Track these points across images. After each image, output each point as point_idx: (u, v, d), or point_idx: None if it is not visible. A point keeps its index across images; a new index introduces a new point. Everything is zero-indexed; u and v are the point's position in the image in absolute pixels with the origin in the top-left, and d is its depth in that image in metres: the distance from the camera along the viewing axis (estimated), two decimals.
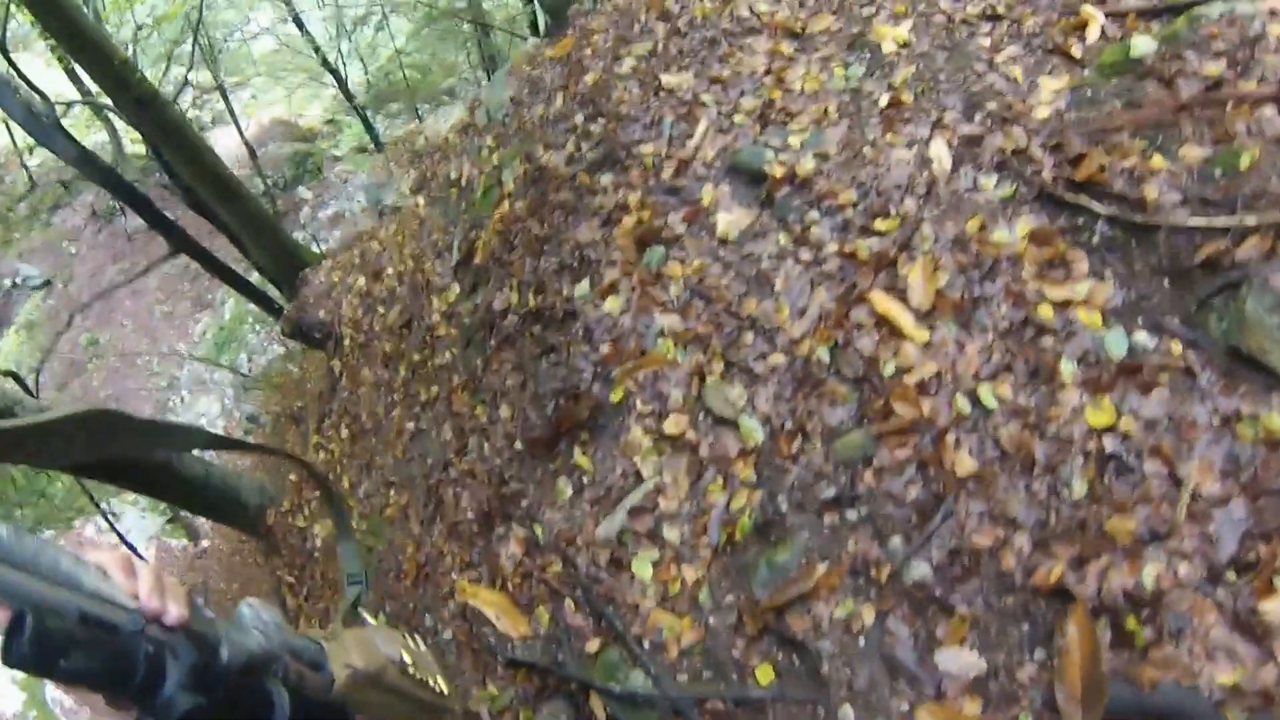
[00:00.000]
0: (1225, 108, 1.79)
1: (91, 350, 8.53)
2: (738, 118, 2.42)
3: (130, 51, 5.94)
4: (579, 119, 2.92)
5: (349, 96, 9.56)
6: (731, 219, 2.18)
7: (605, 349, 2.10)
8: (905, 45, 2.41)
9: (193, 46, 6.21)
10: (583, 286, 2.37)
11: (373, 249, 4.59)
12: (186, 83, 6.81)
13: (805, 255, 2.03)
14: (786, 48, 2.62)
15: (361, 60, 11.17)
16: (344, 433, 3.83)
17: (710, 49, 2.71)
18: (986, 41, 2.31)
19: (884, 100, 2.26)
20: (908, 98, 2.23)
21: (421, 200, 4.26)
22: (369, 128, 10.09)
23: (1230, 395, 1.49)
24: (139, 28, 5.76)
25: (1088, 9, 2.23)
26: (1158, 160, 1.79)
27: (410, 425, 3.21)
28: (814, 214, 2.07)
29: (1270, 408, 1.45)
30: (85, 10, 4.60)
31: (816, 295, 1.91)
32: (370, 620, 0.80)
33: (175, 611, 0.49)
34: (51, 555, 0.46)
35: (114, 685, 0.45)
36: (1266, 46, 1.88)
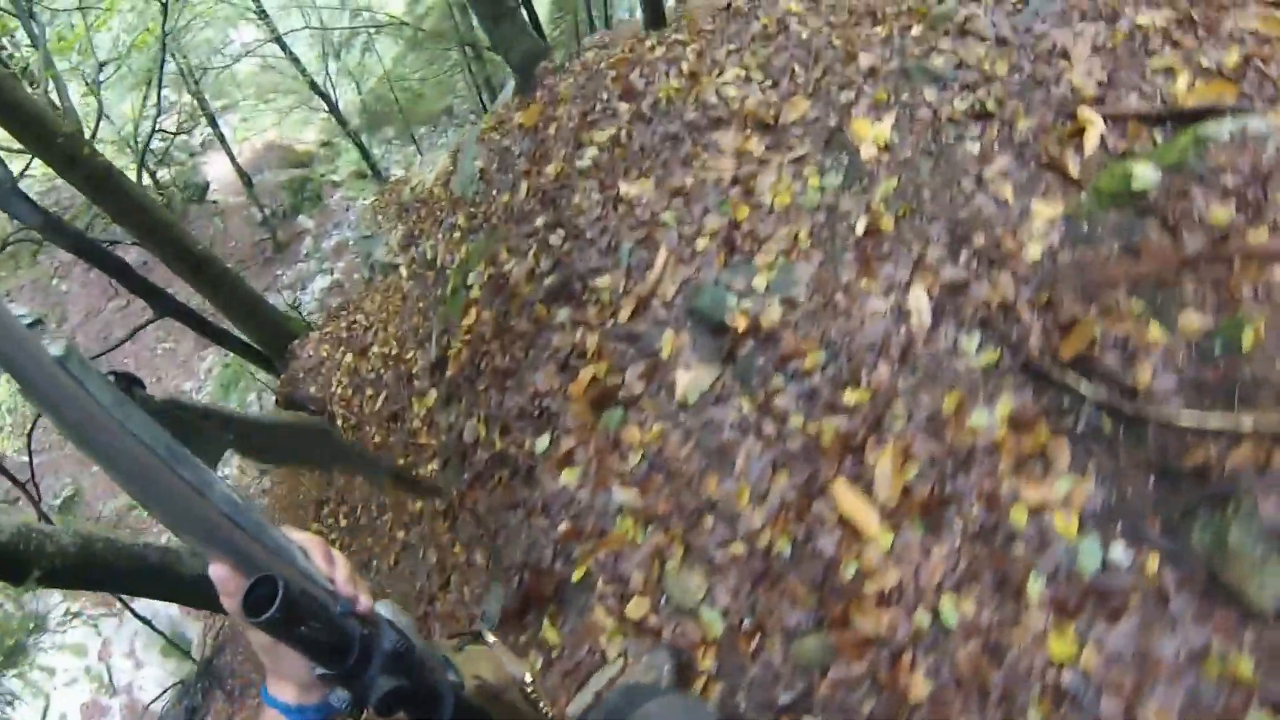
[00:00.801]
0: (1232, 266, 1.66)
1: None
2: (700, 242, 2.34)
3: (98, 86, 5.95)
4: (540, 222, 2.87)
5: (342, 122, 9.49)
6: (691, 378, 2.14)
7: (564, 526, 2.12)
8: (886, 148, 2.28)
9: (159, 70, 6.14)
10: (543, 441, 2.38)
11: (360, 323, 4.65)
12: (158, 110, 6.82)
13: (768, 428, 1.99)
14: (756, 145, 2.50)
15: (354, 79, 11.00)
16: (342, 521, 3.99)
17: (674, 147, 2.61)
18: (975, 148, 2.17)
19: (861, 225, 2.16)
20: (887, 223, 2.13)
21: (405, 271, 4.28)
22: (365, 154, 10.03)
23: (1202, 625, 1.44)
24: (102, 65, 5.72)
25: (1085, 113, 2.07)
26: (1155, 331, 1.69)
27: (401, 534, 3.32)
28: (778, 379, 2.02)
29: (1241, 647, 1.40)
30: (21, 80, 4.61)
31: (778, 480, 1.89)
32: (491, 639, 0.86)
33: (365, 601, 0.55)
34: (270, 529, 0.52)
35: (332, 658, 0.52)
36: (1278, 179, 1.72)
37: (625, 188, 2.58)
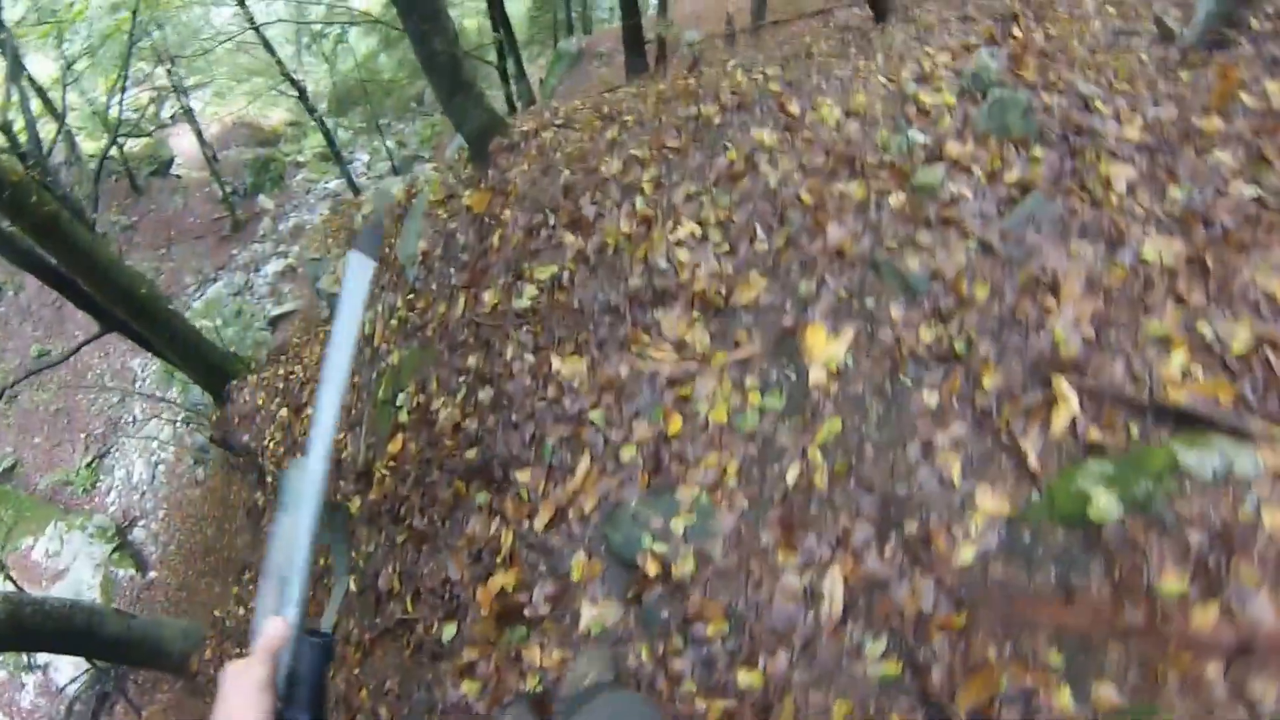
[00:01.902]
0: (1168, 648, 1.58)
1: (41, 362, 9.01)
2: (626, 453, 2.25)
3: (65, 79, 5.88)
4: (471, 362, 2.78)
5: (310, 109, 9.44)
6: (597, 613, 2.10)
7: None
8: (837, 374, 2.15)
9: (128, 47, 5.99)
10: (450, 629, 2.38)
11: (297, 375, 4.59)
12: (124, 86, 6.65)
13: (661, 684, 1.97)
14: (700, 334, 2.37)
15: (327, 60, 10.54)
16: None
17: (612, 325, 2.47)
18: (933, 400, 2.04)
19: (793, 474, 2.06)
20: (820, 479, 2.03)
21: None
22: (330, 140, 9.79)
23: None
24: (69, 64, 5.58)
25: (1061, 384, 1.92)
26: (1064, 697, 1.63)
27: None
28: (679, 639, 1.99)
29: None
30: None
31: None
32: None
33: None
34: None
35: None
36: (1249, 549, 1.61)
37: (557, 364, 2.46)
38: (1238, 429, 1.77)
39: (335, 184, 11.37)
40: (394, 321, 3.49)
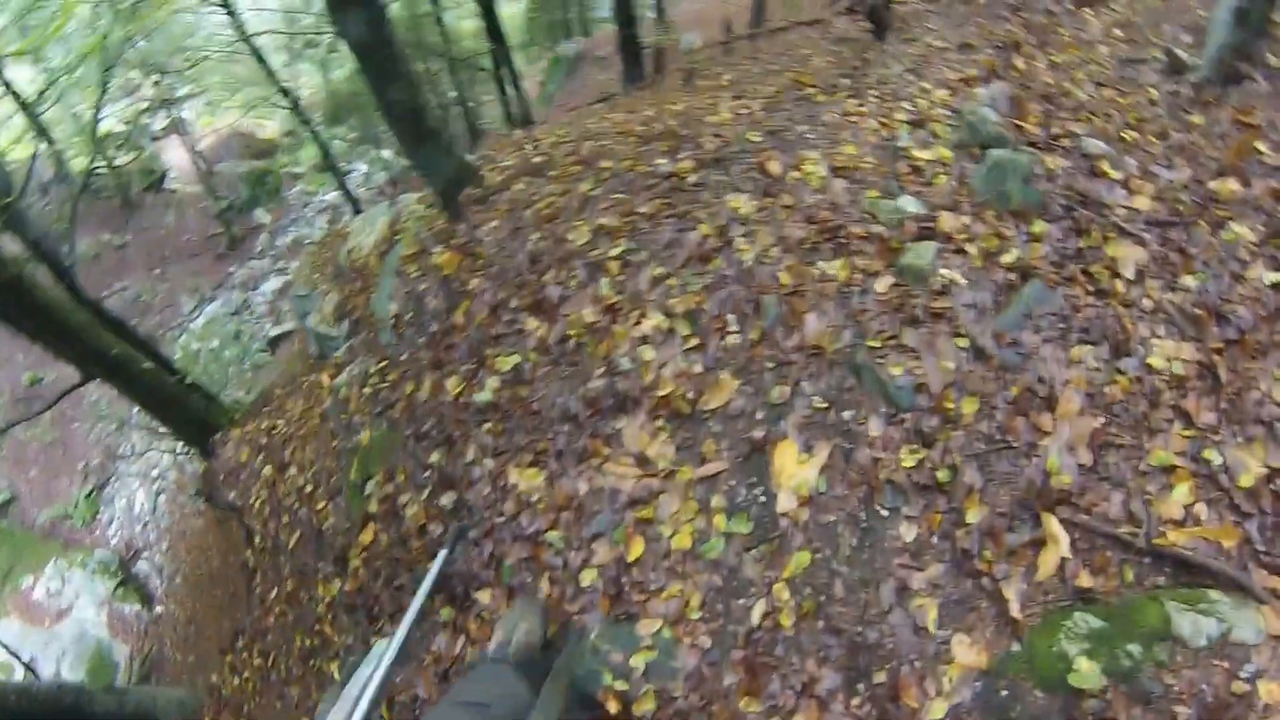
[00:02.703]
0: None
1: (33, 390, 9.23)
2: (586, 577, 2.23)
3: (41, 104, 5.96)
4: (434, 459, 2.76)
5: (304, 120, 9.54)
6: None
7: None
8: (809, 500, 2.08)
9: (108, 68, 6.04)
10: None
11: (280, 430, 4.64)
12: (101, 96, 6.72)
13: None
14: (664, 447, 2.31)
15: (320, 69, 10.49)
16: (255, 661, 4.19)
17: (570, 436, 2.42)
18: (910, 535, 1.96)
19: (758, 612, 2.01)
20: (787, 619, 1.98)
21: (326, 382, 4.19)
22: (325, 151, 10.00)
23: None
24: (43, 91, 5.63)
25: (1051, 523, 1.83)
26: None
27: (306, 717, 3.48)
28: None
29: None
30: None
31: None
32: None
33: None
34: None
35: None
36: None
37: (514, 477, 2.43)
38: (1239, 583, 1.67)
39: (333, 196, 11.40)
40: (367, 389, 3.49)
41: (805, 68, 4.36)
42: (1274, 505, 1.80)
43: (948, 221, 2.41)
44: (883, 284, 2.34)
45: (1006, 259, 2.28)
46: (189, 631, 7.25)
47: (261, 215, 11.13)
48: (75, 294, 5.14)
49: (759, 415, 2.27)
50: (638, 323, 2.54)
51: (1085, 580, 1.79)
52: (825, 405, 2.20)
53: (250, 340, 9.43)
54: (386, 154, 12.67)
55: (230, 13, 8.64)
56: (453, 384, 2.85)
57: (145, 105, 10.60)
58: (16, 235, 4.92)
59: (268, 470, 4.52)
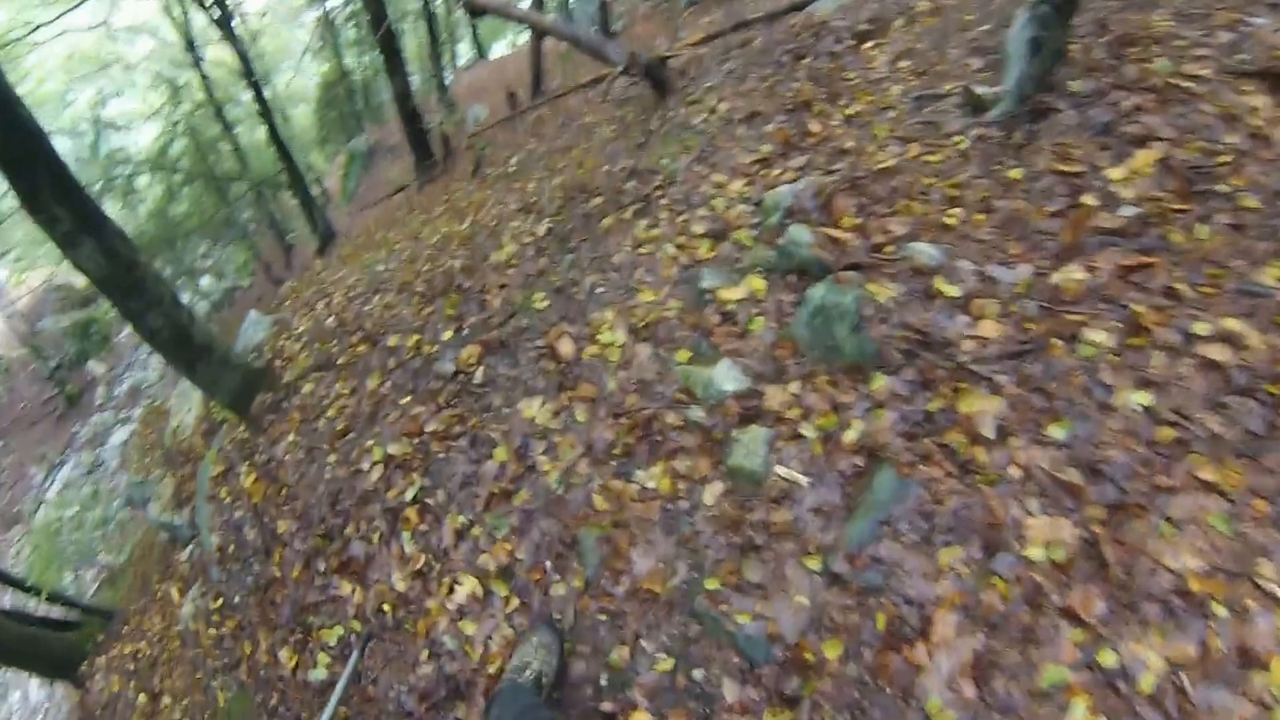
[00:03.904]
0: None
1: None
2: None
3: None
4: None
5: None
6: None
7: None
8: None
9: None
10: None
11: (145, 654, 4.21)
12: None
13: None
14: None
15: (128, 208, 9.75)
16: None
17: None
18: None
19: None
20: None
21: (175, 594, 3.74)
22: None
23: None
24: None
25: None
26: None
27: None
28: None
29: None
30: None
31: None
32: None
33: None
34: None
35: None
36: None
37: None
38: None
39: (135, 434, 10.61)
40: (212, 631, 3.01)
41: (589, 148, 4.06)
42: (1179, 706, 1.55)
43: (774, 396, 2.06)
44: (711, 494, 1.98)
45: (849, 438, 1.95)
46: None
47: (94, 366, 10.34)
48: None
49: (603, 682, 1.91)
50: (450, 591, 2.13)
51: None
52: (671, 663, 1.85)
53: (110, 497, 8.73)
54: (205, 281, 12.12)
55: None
56: (286, 655, 2.42)
57: None
58: None
59: (142, 699, 4.06)
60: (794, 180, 2.67)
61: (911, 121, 2.77)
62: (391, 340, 3.05)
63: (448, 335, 2.87)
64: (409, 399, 2.62)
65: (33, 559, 8.53)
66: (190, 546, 4.12)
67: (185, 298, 11.85)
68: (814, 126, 2.85)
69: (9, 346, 10.52)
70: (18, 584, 6.37)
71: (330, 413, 2.90)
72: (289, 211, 12.73)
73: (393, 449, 2.48)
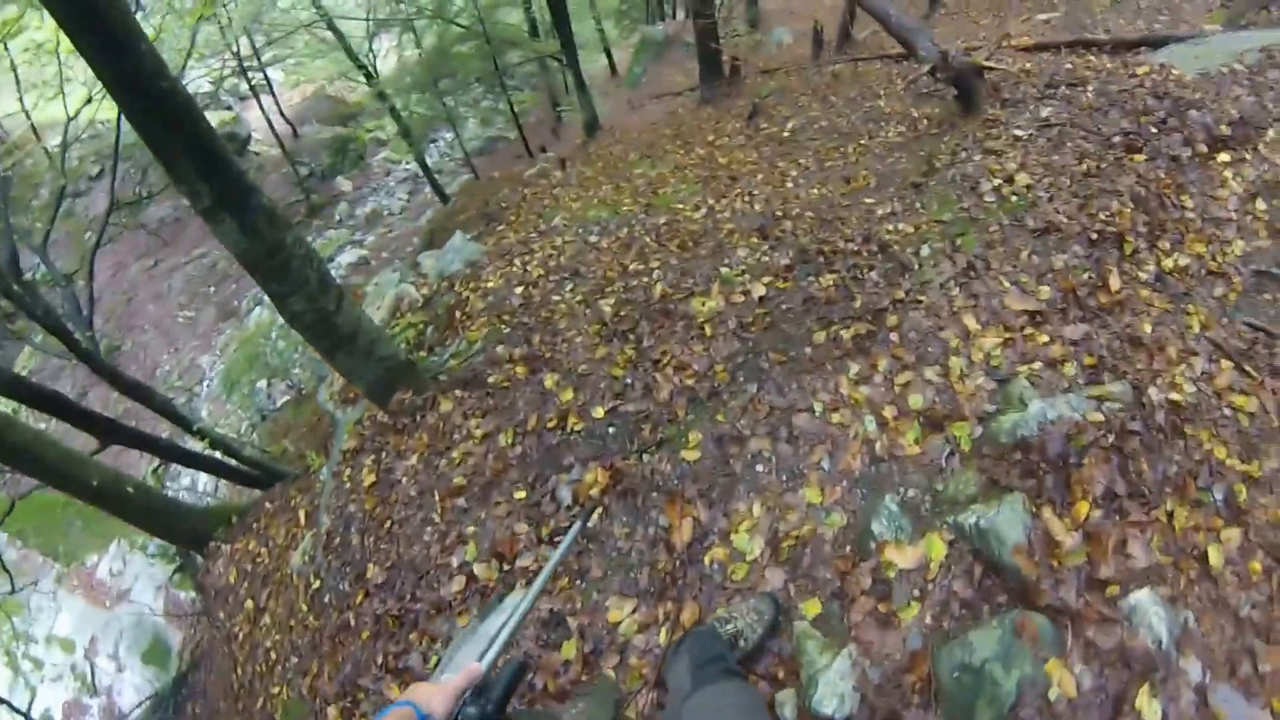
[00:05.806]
0: None
1: (111, 358, 10.05)
2: None
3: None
4: None
5: (381, 96, 9.94)
6: None
7: None
8: None
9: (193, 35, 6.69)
10: None
11: (262, 562, 4.71)
12: (189, 55, 7.37)
13: None
14: None
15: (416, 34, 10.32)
16: None
17: None
18: None
19: None
20: None
21: (302, 516, 4.13)
22: (401, 124, 10.34)
23: None
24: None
25: None
26: None
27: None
28: None
29: None
30: None
31: None
32: None
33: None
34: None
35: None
36: None
37: None
38: None
39: (416, 165, 11.35)
40: (303, 606, 3.33)
41: (867, 146, 4.02)
42: None
43: None
44: None
45: None
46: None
47: (342, 183, 11.29)
48: (95, 368, 5.37)
49: None
50: None
51: None
52: None
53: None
54: (473, 123, 12.58)
55: None
56: (334, 714, 2.59)
57: (233, 65, 10.89)
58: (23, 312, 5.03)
59: (249, 605, 4.55)
60: (1060, 361, 2.11)
61: (1241, 318, 2.10)
62: (548, 380, 2.98)
63: (598, 413, 2.75)
64: (522, 496, 2.59)
65: (236, 356, 10.00)
66: (320, 487, 4.40)
67: (449, 135, 12.68)
68: (1114, 282, 2.28)
69: (271, 142, 11.77)
70: (185, 424, 6.44)
71: (455, 455, 2.92)
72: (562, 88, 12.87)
73: (478, 569, 2.45)
